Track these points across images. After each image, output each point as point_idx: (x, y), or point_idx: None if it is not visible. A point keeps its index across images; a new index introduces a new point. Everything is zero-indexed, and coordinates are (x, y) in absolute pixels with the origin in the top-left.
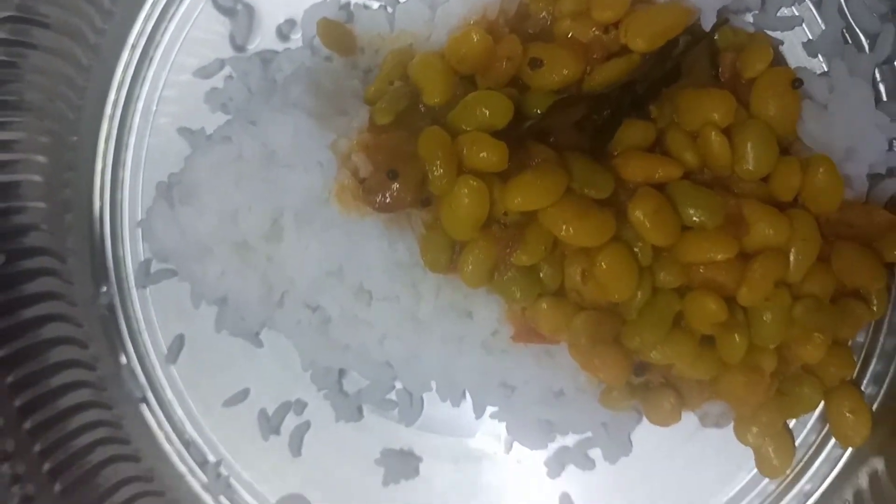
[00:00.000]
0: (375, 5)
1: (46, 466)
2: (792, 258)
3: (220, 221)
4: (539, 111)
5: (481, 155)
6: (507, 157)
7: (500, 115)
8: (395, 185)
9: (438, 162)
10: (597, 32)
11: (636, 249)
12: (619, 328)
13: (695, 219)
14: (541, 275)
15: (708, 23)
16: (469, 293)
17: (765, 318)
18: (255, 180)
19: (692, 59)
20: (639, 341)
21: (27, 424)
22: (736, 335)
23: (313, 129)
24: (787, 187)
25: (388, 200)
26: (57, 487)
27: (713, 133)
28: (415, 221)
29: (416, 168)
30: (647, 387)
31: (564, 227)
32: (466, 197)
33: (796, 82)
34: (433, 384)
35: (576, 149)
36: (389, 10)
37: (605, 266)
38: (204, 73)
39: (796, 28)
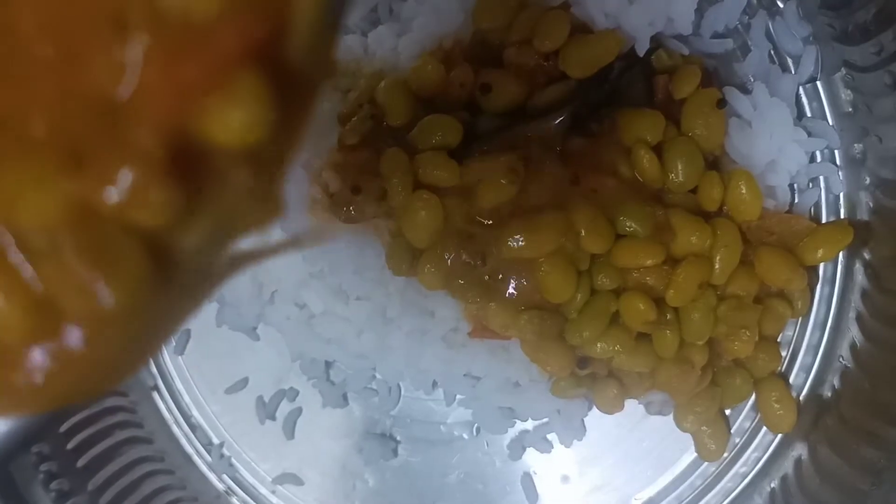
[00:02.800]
0: (353, 31)
1: (70, 445)
2: (716, 263)
3: None
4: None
5: (435, 172)
6: (458, 173)
7: (451, 136)
8: (359, 199)
9: (396, 180)
10: (539, 60)
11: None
12: (563, 325)
13: (627, 228)
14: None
15: (642, 49)
16: (430, 294)
17: (693, 317)
18: None
19: (629, 82)
20: (579, 338)
21: None
22: (668, 332)
23: None
24: (710, 199)
25: (353, 213)
26: (80, 463)
27: (643, 150)
28: (381, 230)
29: (377, 184)
30: (593, 378)
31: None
32: (422, 209)
33: (720, 103)
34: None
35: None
36: (364, 36)
37: (546, 271)
38: None
39: (728, 50)
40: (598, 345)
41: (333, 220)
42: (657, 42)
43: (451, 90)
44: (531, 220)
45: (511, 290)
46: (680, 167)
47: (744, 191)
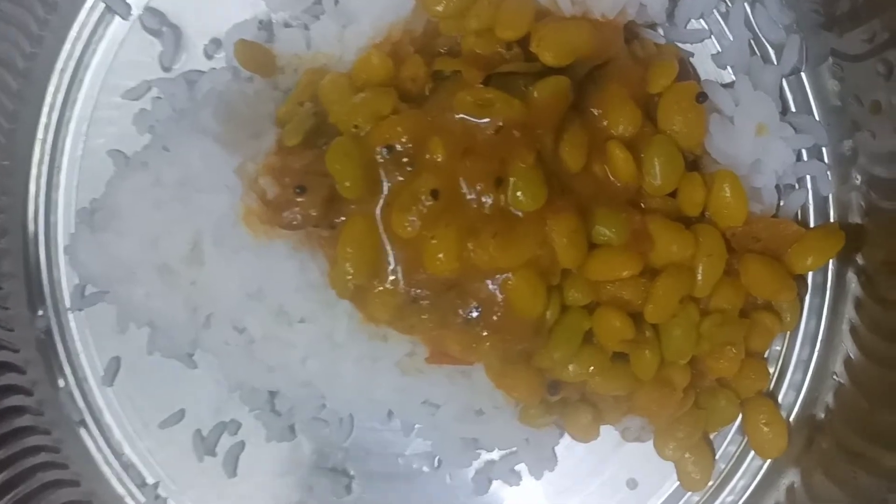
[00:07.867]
0: (294, 24)
1: None
2: (699, 274)
3: (142, 246)
4: None
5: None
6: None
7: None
8: (302, 200)
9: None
10: (499, 49)
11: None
12: (530, 348)
13: (602, 236)
14: None
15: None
16: None
17: (673, 334)
18: (172, 204)
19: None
20: (549, 360)
21: None
22: (646, 351)
23: (220, 152)
24: (692, 203)
25: (295, 219)
26: None
27: (617, 149)
28: (326, 241)
29: (325, 182)
30: (564, 403)
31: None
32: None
33: (700, 97)
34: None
35: None
36: (307, 29)
37: (514, 286)
38: (133, 94)
39: (706, 40)
40: (570, 367)
41: (272, 231)
42: (629, 32)
43: (402, 85)
44: (508, 227)
45: (473, 313)
46: (658, 168)
47: (728, 193)
